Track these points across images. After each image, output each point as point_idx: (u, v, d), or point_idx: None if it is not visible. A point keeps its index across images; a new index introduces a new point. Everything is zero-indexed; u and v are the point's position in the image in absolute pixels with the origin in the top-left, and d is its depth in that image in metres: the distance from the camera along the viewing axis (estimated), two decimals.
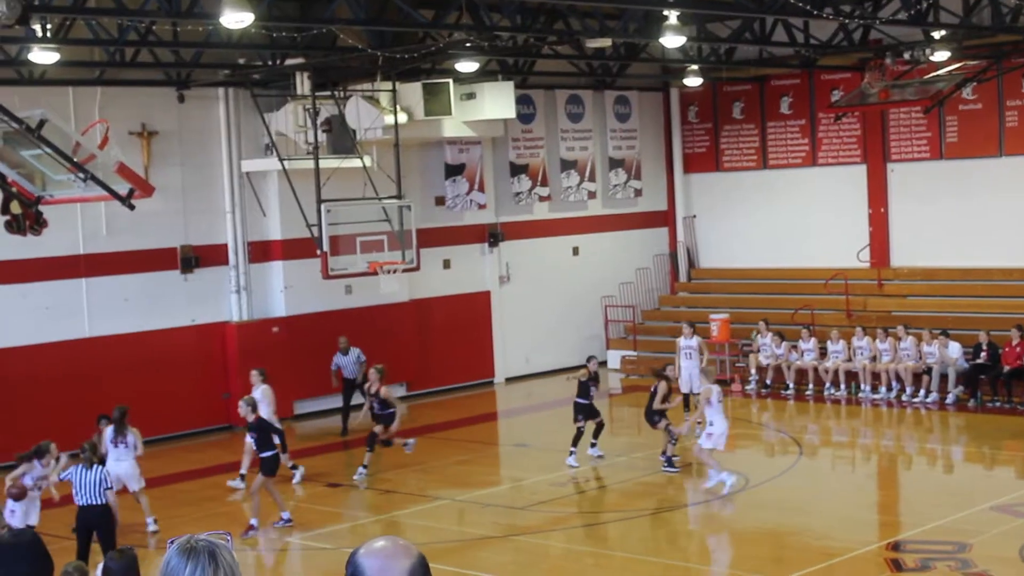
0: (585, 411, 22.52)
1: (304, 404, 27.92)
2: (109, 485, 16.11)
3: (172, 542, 3.87)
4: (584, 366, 22.87)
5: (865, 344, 28.01)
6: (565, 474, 21.84)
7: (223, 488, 21.80)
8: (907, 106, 29.37)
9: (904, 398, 27.18)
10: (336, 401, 26.81)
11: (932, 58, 26.10)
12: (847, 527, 18.20)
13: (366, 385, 22.60)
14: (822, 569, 16.21)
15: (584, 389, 22.51)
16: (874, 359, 27.90)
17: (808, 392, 28.45)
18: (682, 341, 25.78)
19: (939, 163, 30.74)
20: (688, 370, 25.12)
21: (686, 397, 25.10)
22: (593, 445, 22.76)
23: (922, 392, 26.99)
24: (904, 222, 31.35)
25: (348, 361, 26.17)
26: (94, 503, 15.99)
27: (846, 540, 17.39)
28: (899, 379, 27.42)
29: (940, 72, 27.40)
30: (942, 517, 18.14)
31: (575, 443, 22.36)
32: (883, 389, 27.57)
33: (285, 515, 19.11)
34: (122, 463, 18.90)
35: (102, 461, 17.42)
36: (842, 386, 28.14)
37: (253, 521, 18.82)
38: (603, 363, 32.79)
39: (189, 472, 22.94)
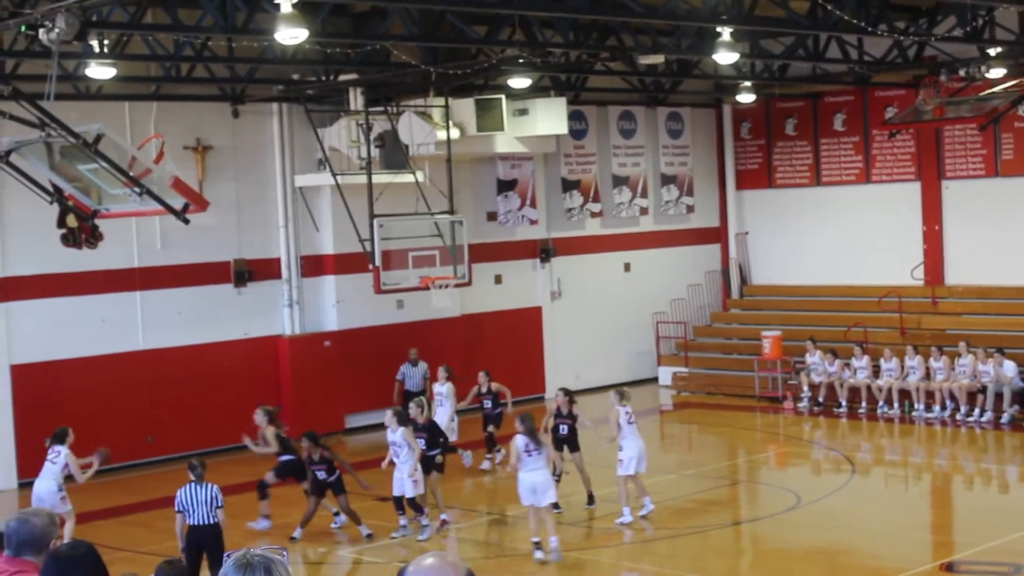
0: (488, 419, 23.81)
1: (356, 418, 28.01)
2: (220, 504, 15.84)
3: (228, 556, 3.90)
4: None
5: (916, 363, 27.80)
6: (615, 490, 21.75)
7: (275, 501, 21.84)
8: (962, 123, 29.16)
9: (958, 417, 26.97)
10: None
11: (987, 75, 25.94)
12: (900, 546, 18.05)
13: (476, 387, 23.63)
14: None
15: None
16: (928, 377, 27.70)
17: (861, 410, 28.25)
18: (436, 387, 24.19)
19: (994, 180, 30.51)
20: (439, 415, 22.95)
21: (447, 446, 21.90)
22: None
23: (976, 411, 26.76)
24: (958, 240, 31.13)
25: (415, 373, 26.17)
26: (205, 523, 15.69)
27: (899, 560, 17.25)
28: (953, 398, 27.21)
29: (996, 89, 27.21)
30: (997, 537, 17.96)
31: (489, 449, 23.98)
32: (937, 408, 27.35)
33: (444, 516, 19.87)
34: (44, 480, 18.55)
35: None
36: (895, 404, 27.93)
37: (444, 516, 19.81)
38: (654, 379, 32.87)
39: (241, 485, 22.98)
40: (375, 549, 18.92)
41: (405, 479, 18.91)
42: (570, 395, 21.24)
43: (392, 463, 19.13)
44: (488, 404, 23.85)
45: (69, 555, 6.09)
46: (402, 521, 19.19)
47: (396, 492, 19.03)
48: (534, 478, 17.52)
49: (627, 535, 19.38)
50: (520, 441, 17.56)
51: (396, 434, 19.07)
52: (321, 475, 19.18)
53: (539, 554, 17.55)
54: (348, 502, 19.29)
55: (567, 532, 19.59)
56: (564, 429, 21.00)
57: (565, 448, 20.91)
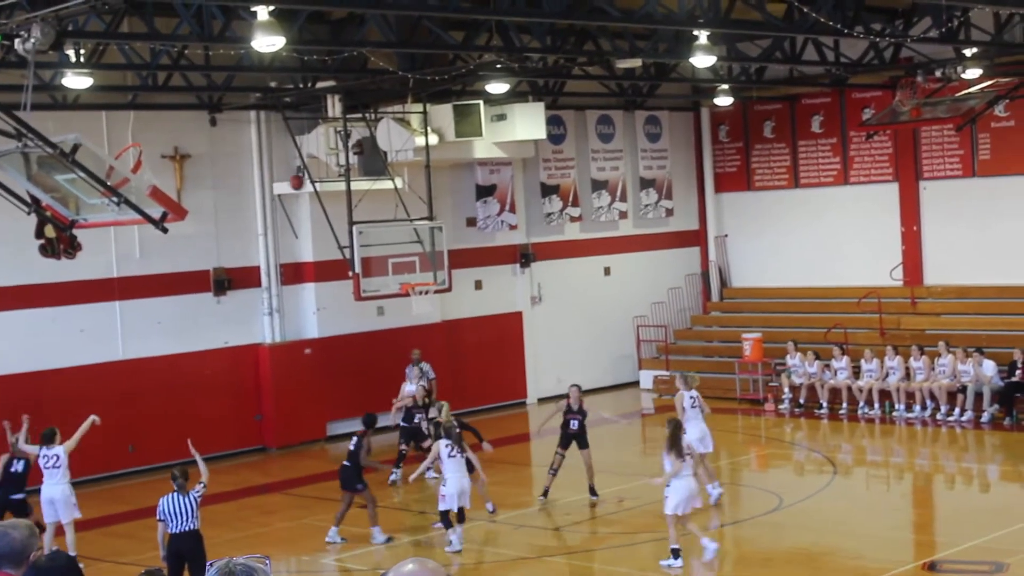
0: (408, 434, 23.47)
1: (337, 425, 27.91)
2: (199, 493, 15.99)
3: (211, 565, 3.88)
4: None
5: (896, 364, 27.87)
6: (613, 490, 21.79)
7: (257, 509, 21.84)
8: (939, 124, 29.26)
9: (939, 417, 27.03)
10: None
11: (964, 76, 26.03)
12: (882, 547, 18.08)
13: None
14: None
15: (408, 415, 23.57)
16: (908, 377, 27.77)
17: (842, 411, 28.30)
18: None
19: (971, 181, 30.61)
20: None
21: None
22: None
23: (957, 411, 26.84)
24: (937, 240, 31.22)
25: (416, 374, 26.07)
26: (186, 530, 15.61)
27: (881, 560, 17.28)
28: (933, 398, 27.27)
29: (972, 89, 27.30)
30: (978, 536, 18.02)
31: (397, 464, 23.29)
32: (917, 408, 27.43)
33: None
34: (54, 486, 18.56)
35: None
36: (876, 405, 27.99)
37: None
38: (635, 383, 32.89)
39: (223, 494, 22.94)
40: (358, 556, 18.89)
41: (463, 491, 18.79)
42: (580, 391, 21.51)
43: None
44: (417, 419, 23.48)
45: (48, 567, 6.06)
46: (457, 530, 18.91)
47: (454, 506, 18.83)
48: (691, 484, 17.41)
49: (616, 538, 19.40)
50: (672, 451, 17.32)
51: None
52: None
53: (710, 547, 17.45)
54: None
55: (556, 536, 19.61)
56: (575, 424, 21.23)
57: (574, 443, 21.03)
